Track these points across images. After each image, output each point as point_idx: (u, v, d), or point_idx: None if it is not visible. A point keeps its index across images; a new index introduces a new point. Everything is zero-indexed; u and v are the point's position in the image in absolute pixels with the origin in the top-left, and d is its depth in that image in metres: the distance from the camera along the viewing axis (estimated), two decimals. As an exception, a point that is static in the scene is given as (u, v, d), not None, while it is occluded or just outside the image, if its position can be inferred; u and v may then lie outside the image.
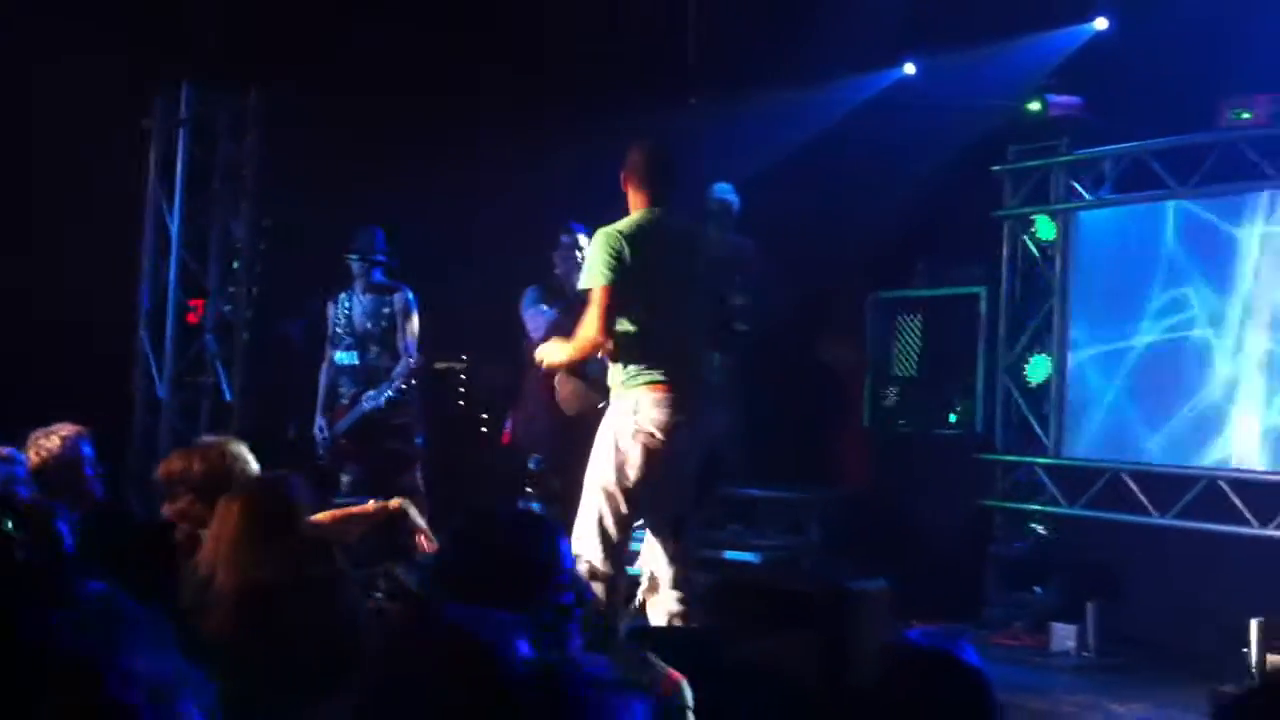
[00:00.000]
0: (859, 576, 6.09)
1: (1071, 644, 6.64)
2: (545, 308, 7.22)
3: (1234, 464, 7.03)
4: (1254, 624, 6.13)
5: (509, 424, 7.66)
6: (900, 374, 8.77)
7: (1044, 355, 8.08)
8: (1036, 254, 8.24)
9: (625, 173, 5.26)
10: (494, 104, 8.61)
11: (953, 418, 8.47)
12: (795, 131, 8.76)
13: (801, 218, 8.52)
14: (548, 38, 8.71)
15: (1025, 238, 8.27)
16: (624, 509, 4.98)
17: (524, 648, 1.66)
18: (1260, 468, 6.91)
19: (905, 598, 6.72)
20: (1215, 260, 7.22)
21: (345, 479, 7.23)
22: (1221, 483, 7.01)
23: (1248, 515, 6.87)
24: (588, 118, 8.08)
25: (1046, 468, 7.93)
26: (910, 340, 8.78)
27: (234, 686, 2.00)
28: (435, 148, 8.27)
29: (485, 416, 8.75)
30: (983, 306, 8.38)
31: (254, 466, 3.92)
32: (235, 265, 8.30)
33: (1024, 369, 8.15)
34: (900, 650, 2.67)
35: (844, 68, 8.63)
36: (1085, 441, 7.83)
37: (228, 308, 8.27)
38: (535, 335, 6.99)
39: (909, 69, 8.72)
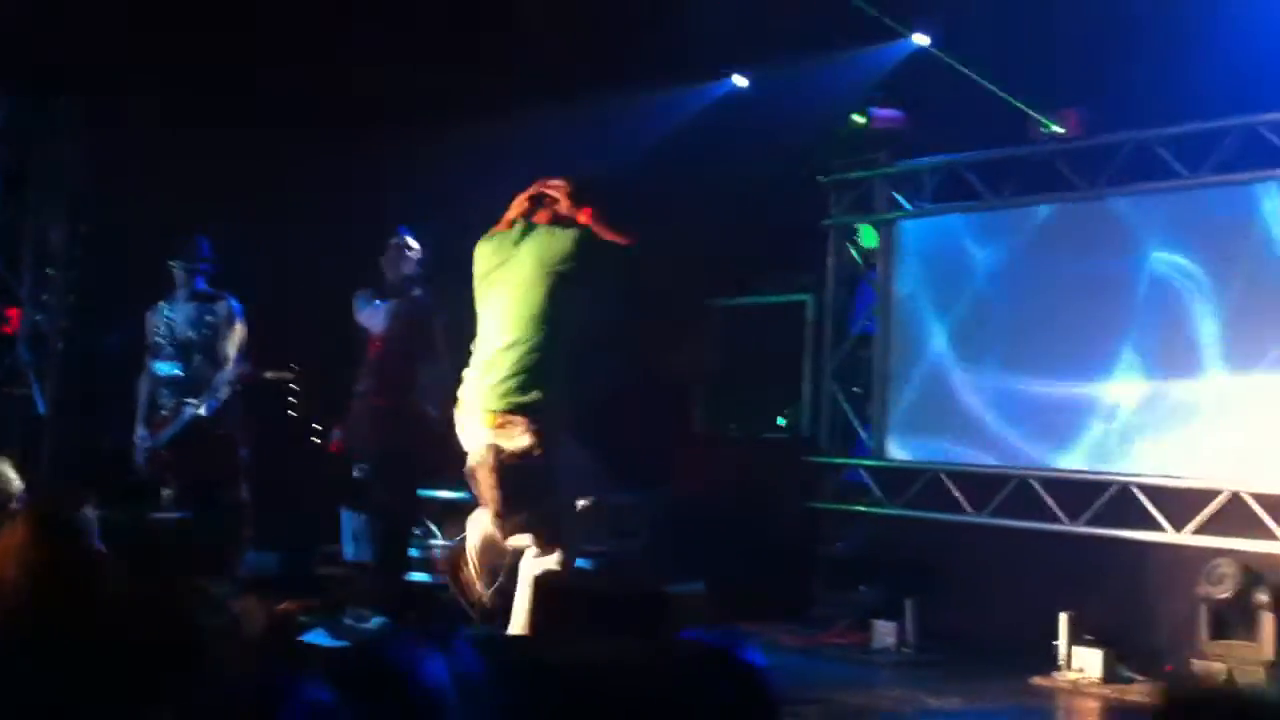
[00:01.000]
0: (681, 579, 6.19)
1: (891, 640, 6.84)
2: (378, 301, 7.16)
3: (1045, 464, 7.31)
4: (1063, 617, 6.40)
5: (336, 434, 7.57)
6: (732, 379, 8.94)
7: (866, 359, 8.30)
8: (860, 262, 8.47)
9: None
10: (321, 110, 8.49)
11: (781, 421, 8.66)
12: (630, 141, 8.83)
13: (638, 227, 8.58)
14: (375, 39, 8.62)
15: (849, 246, 8.49)
16: None
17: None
18: (1071, 467, 7.20)
19: (736, 599, 6.86)
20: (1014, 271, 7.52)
21: (166, 492, 7.04)
22: (1033, 482, 7.30)
23: (1058, 512, 7.17)
24: (415, 125, 8.03)
25: (869, 469, 8.15)
26: (742, 346, 8.94)
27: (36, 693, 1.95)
28: (261, 154, 8.12)
29: (316, 427, 8.63)
30: (809, 313, 8.59)
31: (17, 484, 3.82)
32: (50, 273, 8.04)
33: (847, 373, 8.36)
34: (680, 649, 2.71)
35: (676, 78, 8.74)
36: (909, 443, 8.06)
37: (40, 317, 8.00)
38: (377, 329, 6.97)
39: (740, 81, 8.88)
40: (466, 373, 5.24)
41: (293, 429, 8.63)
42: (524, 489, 5.05)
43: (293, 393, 8.76)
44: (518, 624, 4.99)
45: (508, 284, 5.17)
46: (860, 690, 6.08)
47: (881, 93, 8.19)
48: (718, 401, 9.03)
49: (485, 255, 5.31)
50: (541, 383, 5.04)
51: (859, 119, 8.16)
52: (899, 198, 8.26)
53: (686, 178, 8.46)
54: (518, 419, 5.01)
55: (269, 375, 8.48)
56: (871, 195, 8.40)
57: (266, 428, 7.92)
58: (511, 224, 5.33)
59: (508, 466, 5.03)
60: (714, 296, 9.03)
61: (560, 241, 5.16)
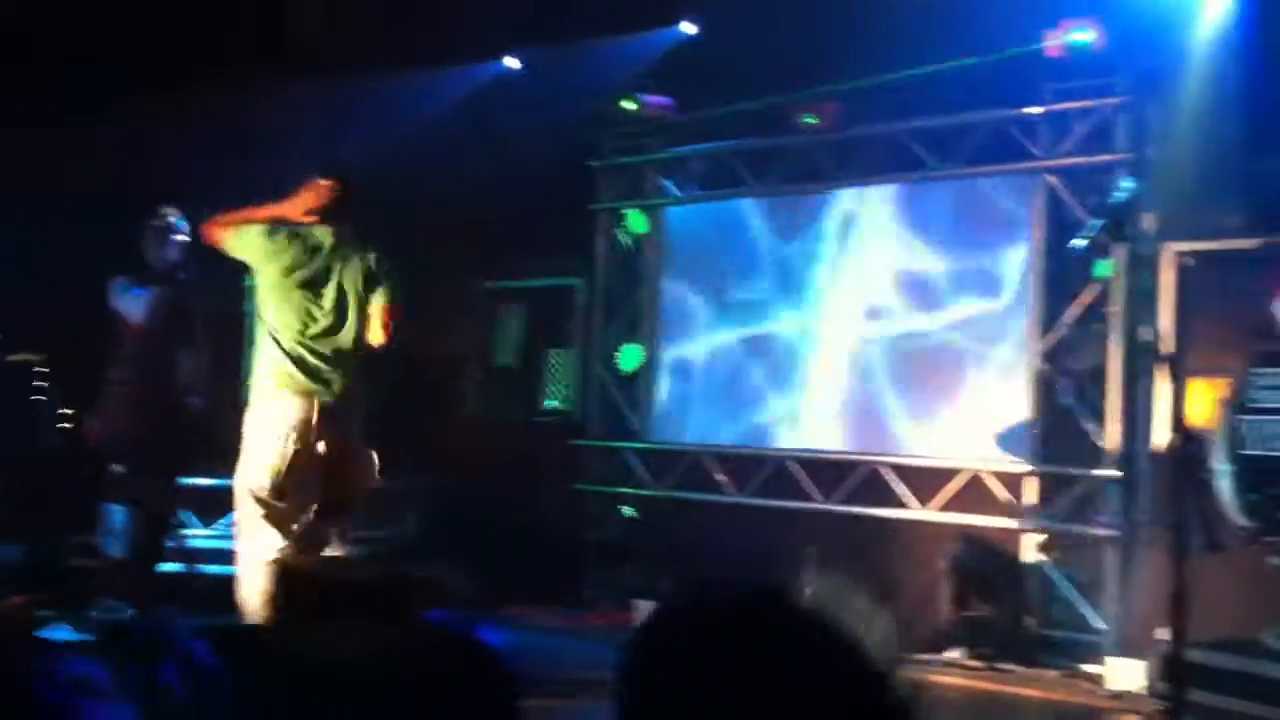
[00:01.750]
0: (449, 564, 6.14)
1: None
2: (138, 290, 6.84)
3: (807, 445, 7.55)
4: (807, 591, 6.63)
5: (92, 422, 7.22)
6: (502, 363, 8.92)
7: (635, 345, 8.40)
8: (629, 247, 8.56)
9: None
10: (78, 86, 8.06)
11: (551, 404, 8.69)
12: (399, 121, 8.69)
13: (407, 207, 8.47)
14: (145, 7, 8.25)
15: (618, 231, 8.57)
16: None
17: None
18: (828, 447, 7.46)
19: (505, 582, 6.85)
20: (795, 256, 7.73)
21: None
22: (790, 463, 7.53)
23: (814, 492, 7.41)
24: (171, 98, 7.71)
25: (636, 452, 8.26)
26: (512, 330, 8.93)
27: None
28: (18, 127, 7.66)
29: (67, 412, 8.21)
30: (579, 297, 8.64)
31: None
32: None
33: (616, 358, 8.45)
34: (419, 632, 2.69)
35: (447, 58, 8.65)
36: (675, 427, 8.21)
37: None
38: (137, 318, 6.66)
39: (512, 62, 8.84)
40: (294, 353, 5.17)
41: (41, 414, 8.19)
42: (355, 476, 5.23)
43: (41, 376, 8.32)
44: (253, 612, 4.88)
45: (330, 281, 5.28)
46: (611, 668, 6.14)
47: (652, 79, 8.27)
48: (488, 385, 9.00)
49: (287, 247, 5.28)
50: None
51: (629, 104, 8.22)
52: (668, 184, 8.37)
53: (456, 160, 8.37)
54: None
55: (13, 359, 8.04)
56: (641, 181, 8.49)
57: (12, 413, 7.52)
58: (310, 222, 5.34)
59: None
60: (483, 280, 8.98)
61: (366, 263, 5.35)
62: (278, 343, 5.21)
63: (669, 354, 8.25)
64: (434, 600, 4.63)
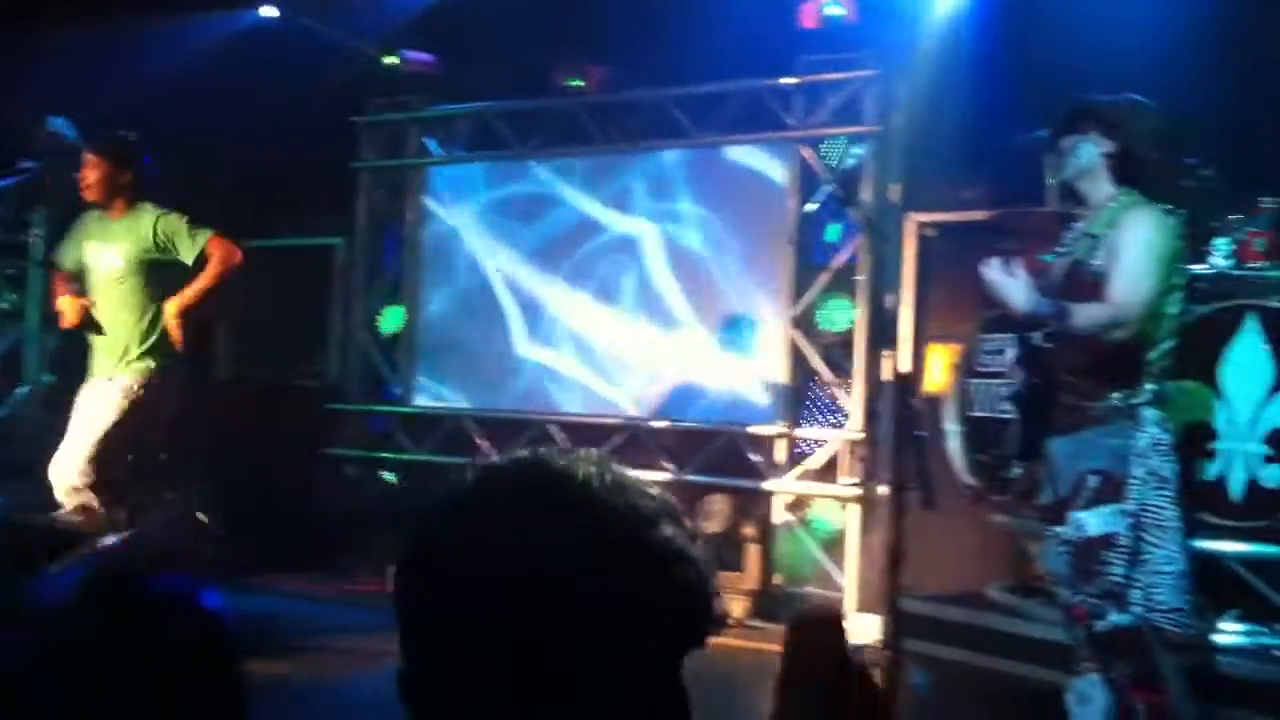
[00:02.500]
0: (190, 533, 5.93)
1: (408, 585, 6.85)
2: None
3: (569, 409, 7.57)
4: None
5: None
6: (257, 325, 8.62)
7: (397, 307, 8.25)
8: (392, 206, 8.39)
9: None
10: None
11: (310, 369, 8.47)
12: (148, 69, 8.26)
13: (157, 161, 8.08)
14: None
15: (381, 190, 8.38)
16: None
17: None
18: (581, 411, 7.50)
19: (260, 551, 6.64)
20: (543, 219, 7.71)
21: None
22: (552, 426, 7.53)
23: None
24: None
25: (397, 416, 8.13)
26: (267, 291, 8.63)
27: None
28: None
29: None
30: (339, 257, 8.43)
31: None
32: None
33: (377, 320, 8.28)
34: (130, 594, 2.55)
35: (198, 4, 8.28)
36: (437, 391, 8.11)
37: None
38: None
39: (269, 11, 8.51)
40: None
41: None
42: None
43: None
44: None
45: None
46: (374, 636, 6.07)
47: (415, 35, 8.10)
48: (242, 347, 8.70)
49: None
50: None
51: (391, 60, 8.04)
52: (431, 143, 8.23)
53: (207, 113, 8.03)
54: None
55: None
56: (404, 139, 8.32)
57: None
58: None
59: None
60: (237, 238, 8.63)
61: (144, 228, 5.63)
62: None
63: (431, 317, 8.13)
64: (171, 566, 4.45)
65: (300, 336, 8.48)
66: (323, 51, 8.04)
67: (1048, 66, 5.57)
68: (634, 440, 7.33)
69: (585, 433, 7.48)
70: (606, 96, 7.56)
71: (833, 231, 4.13)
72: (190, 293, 5.57)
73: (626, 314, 7.43)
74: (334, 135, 8.21)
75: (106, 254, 5.63)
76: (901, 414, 3.41)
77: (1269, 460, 4.52)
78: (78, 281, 5.74)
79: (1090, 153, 3.96)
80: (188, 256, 5.60)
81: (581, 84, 7.65)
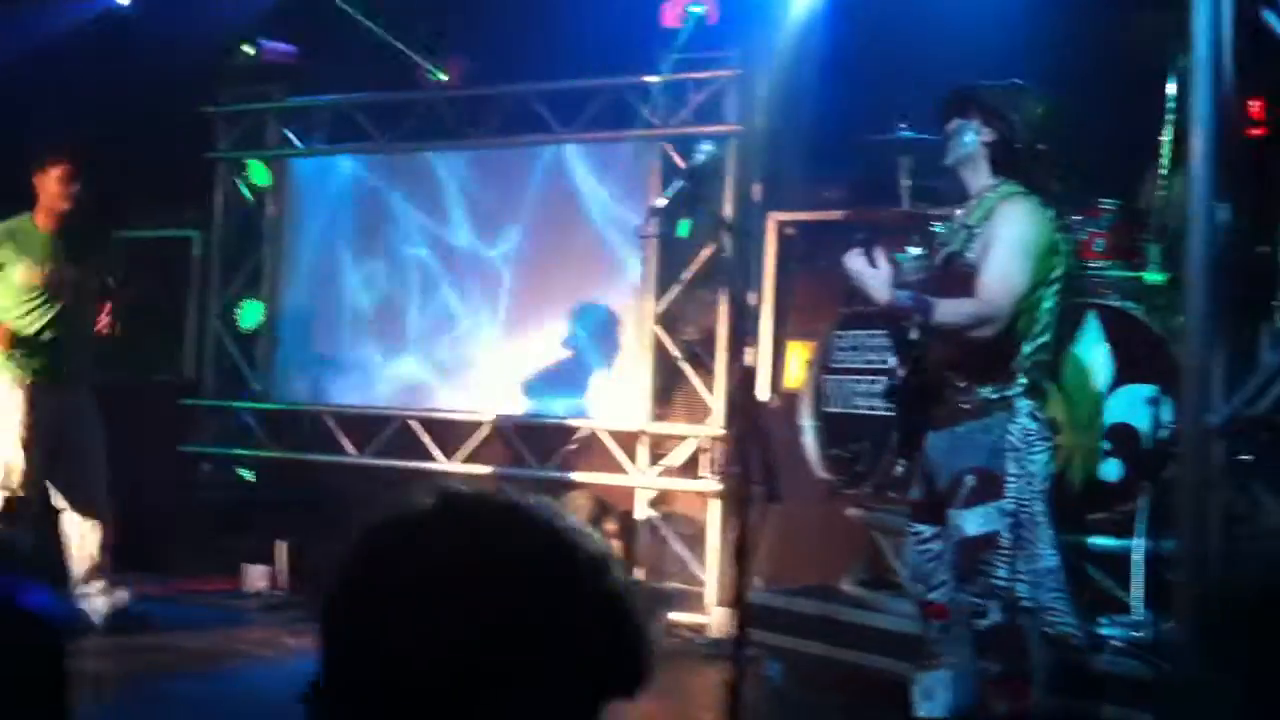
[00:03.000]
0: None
1: (264, 584, 6.75)
2: None
3: (431, 405, 7.48)
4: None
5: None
6: (110, 319, 8.33)
7: (256, 301, 8.08)
8: (250, 199, 8.21)
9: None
10: None
11: (167, 364, 8.24)
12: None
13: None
14: None
15: (238, 182, 8.20)
16: None
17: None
18: (446, 408, 7.43)
19: (118, 549, 6.43)
20: (402, 213, 7.62)
21: None
22: (414, 423, 7.45)
23: (437, 452, 7.38)
24: None
25: (254, 412, 7.96)
26: (119, 283, 8.36)
27: None
28: None
29: None
30: (195, 250, 8.22)
31: None
32: None
33: (235, 314, 8.10)
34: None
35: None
36: (295, 387, 7.95)
37: None
38: None
39: (122, -1, 8.26)
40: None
41: None
42: None
43: None
44: None
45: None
46: (223, 633, 5.97)
47: (273, 24, 7.93)
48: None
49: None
50: None
51: (248, 49, 7.86)
52: (290, 135, 8.07)
53: (58, 101, 7.77)
54: None
55: None
56: (263, 130, 8.15)
57: None
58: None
59: None
60: (97, 225, 8.35)
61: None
62: None
63: (291, 312, 7.97)
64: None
65: (157, 331, 8.23)
66: (178, 39, 7.82)
67: (905, 67, 5.67)
68: (495, 437, 7.29)
69: (447, 429, 7.42)
70: (469, 91, 7.49)
71: (683, 227, 4.15)
72: None
73: (487, 310, 7.38)
74: (189, 126, 7.99)
75: (69, 267, 5.70)
76: (746, 409, 3.43)
77: (1107, 455, 4.67)
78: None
79: (971, 140, 3.92)
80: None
81: (444, 78, 7.56)
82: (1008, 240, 3.76)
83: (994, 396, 3.75)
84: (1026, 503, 3.69)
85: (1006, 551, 3.67)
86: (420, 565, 1.07)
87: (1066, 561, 4.57)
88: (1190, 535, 3.03)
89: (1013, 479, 3.68)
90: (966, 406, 3.79)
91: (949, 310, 3.80)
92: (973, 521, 3.71)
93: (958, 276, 3.84)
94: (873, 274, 3.86)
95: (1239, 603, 3.06)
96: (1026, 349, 3.77)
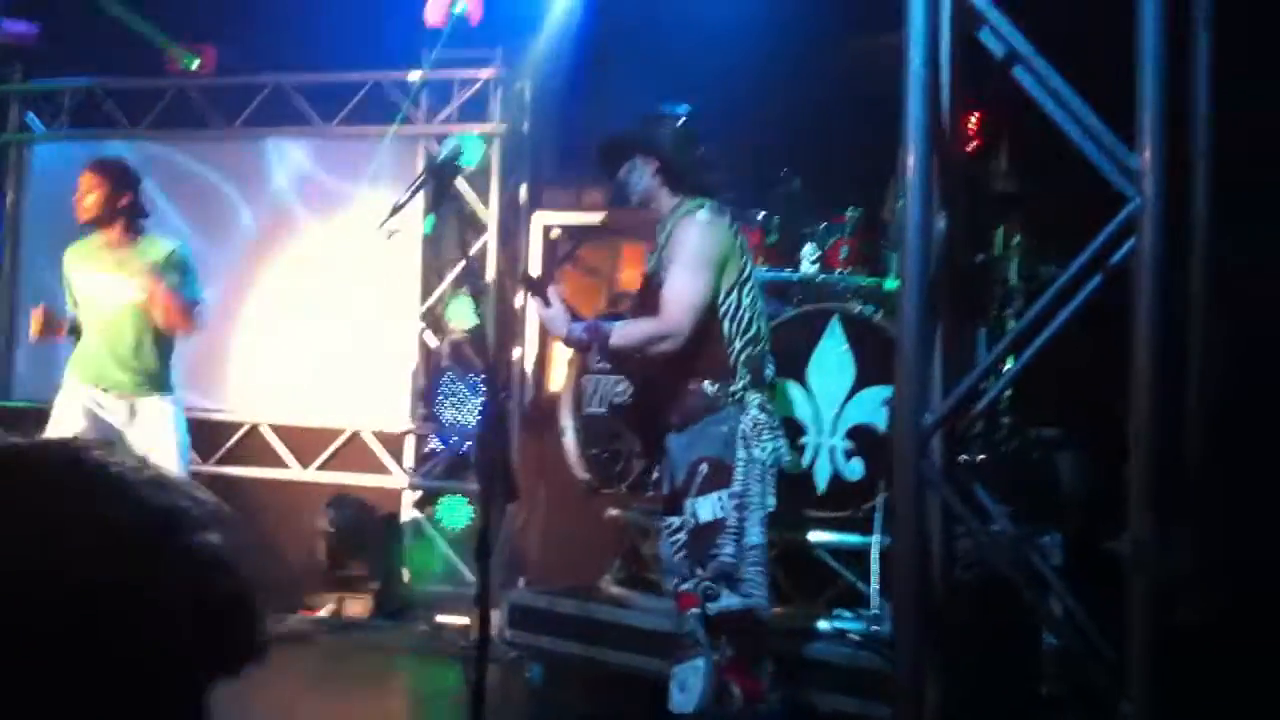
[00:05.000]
0: None
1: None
2: None
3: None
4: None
5: None
6: None
7: (-5, 292, 7.63)
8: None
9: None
10: None
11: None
12: None
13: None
14: None
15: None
16: None
17: None
18: (199, 406, 7.15)
19: None
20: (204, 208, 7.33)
21: None
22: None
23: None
24: None
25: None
26: None
27: None
28: None
29: None
30: (-73, 239, 7.70)
31: None
32: None
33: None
34: None
35: None
36: (39, 385, 7.53)
37: None
38: None
39: None
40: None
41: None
42: None
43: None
44: None
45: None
46: None
47: (13, 2, 7.49)
48: None
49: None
50: None
51: (-16, 28, 7.41)
52: (32, 118, 7.65)
53: None
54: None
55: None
56: (6, 112, 7.69)
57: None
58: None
59: None
60: None
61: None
62: None
63: (29, 304, 7.53)
64: None
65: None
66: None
67: (664, 68, 5.73)
68: (254, 438, 7.06)
69: (201, 430, 7.13)
70: (222, 79, 7.23)
71: (428, 224, 4.11)
72: None
73: (245, 307, 7.13)
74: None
75: (119, 282, 5.25)
76: (488, 408, 3.40)
77: (850, 455, 4.82)
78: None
79: (640, 175, 4.07)
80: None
81: (196, 64, 7.28)
82: (680, 258, 3.92)
83: (722, 393, 3.90)
84: (751, 484, 3.85)
85: (733, 530, 3.83)
86: None
87: (804, 557, 4.75)
88: (909, 533, 3.14)
89: (740, 464, 3.84)
90: (699, 404, 3.93)
91: (625, 334, 3.99)
92: (705, 508, 3.86)
93: (653, 297, 4.00)
94: (547, 314, 4.05)
95: (954, 601, 3.18)
96: (738, 345, 3.92)
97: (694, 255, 3.89)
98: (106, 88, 7.42)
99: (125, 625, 0.94)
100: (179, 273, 5.27)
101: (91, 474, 0.99)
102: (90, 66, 7.43)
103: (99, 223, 5.33)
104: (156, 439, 5.24)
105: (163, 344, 5.30)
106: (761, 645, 3.94)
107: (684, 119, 4.10)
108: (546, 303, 4.01)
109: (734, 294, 3.93)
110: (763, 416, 3.87)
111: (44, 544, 0.94)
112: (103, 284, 5.33)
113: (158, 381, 5.29)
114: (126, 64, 7.32)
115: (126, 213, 5.34)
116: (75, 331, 5.40)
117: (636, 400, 4.23)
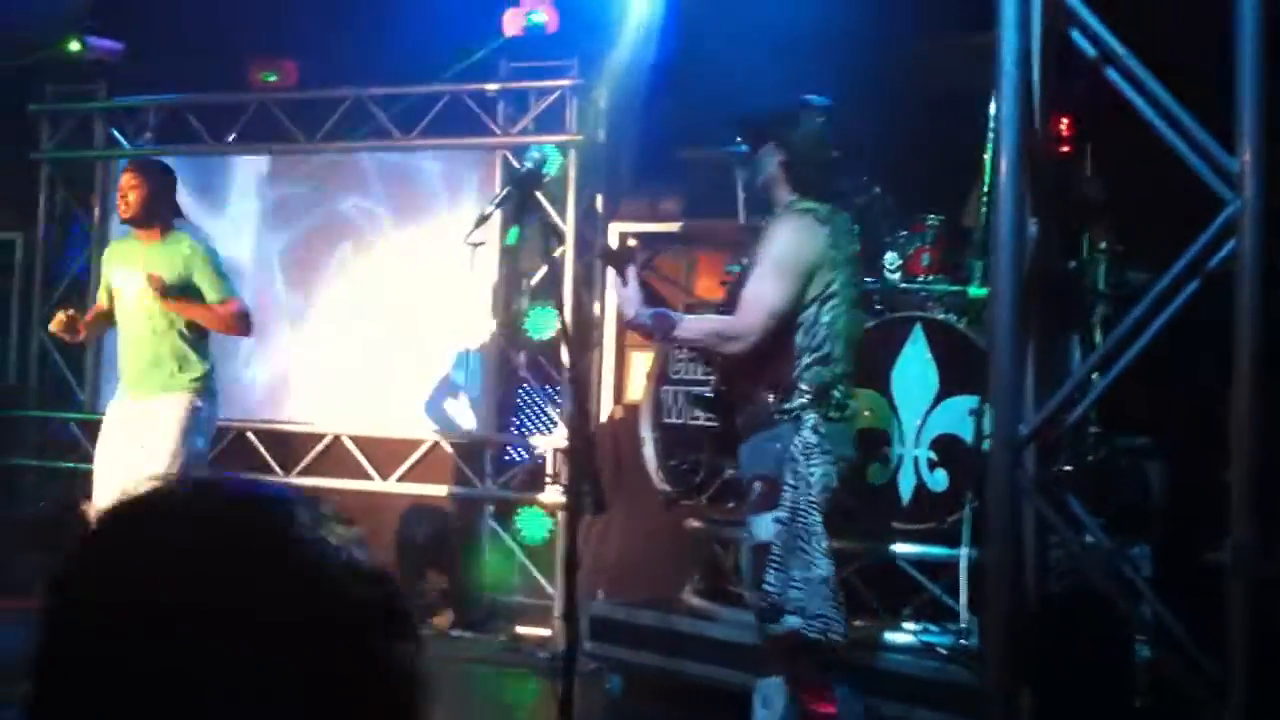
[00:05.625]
0: None
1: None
2: None
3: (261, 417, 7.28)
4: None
5: None
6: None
7: (83, 306, 7.75)
8: (75, 201, 7.91)
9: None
10: None
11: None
12: None
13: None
14: None
15: (63, 183, 7.89)
16: None
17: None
18: (280, 419, 7.24)
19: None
20: (237, 218, 7.41)
21: None
22: (251, 435, 7.24)
23: (273, 463, 7.18)
24: None
25: (81, 423, 7.65)
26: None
27: None
28: None
29: None
30: (18, 254, 7.89)
31: None
32: None
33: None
34: None
35: None
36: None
37: None
38: None
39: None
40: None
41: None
42: None
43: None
44: None
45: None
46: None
47: (99, 21, 7.65)
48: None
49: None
50: None
51: (74, 46, 7.56)
52: (118, 135, 7.79)
53: None
54: None
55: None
56: (90, 130, 7.85)
57: None
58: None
59: None
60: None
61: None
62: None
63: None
64: None
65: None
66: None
67: (741, 79, 5.70)
68: (336, 449, 7.12)
69: (285, 441, 7.23)
70: (303, 93, 7.32)
71: (511, 235, 4.11)
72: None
73: (327, 321, 7.20)
74: (11, 125, 7.66)
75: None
76: (575, 419, 3.38)
77: (934, 465, 4.75)
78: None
79: (768, 162, 3.95)
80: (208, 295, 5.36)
81: (275, 78, 7.38)
82: (765, 260, 3.82)
83: (779, 408, 3.78)
84: (803, 512, 3.68)
85: (777, 558, 3.68)
86: (125, 568, 0.95)
87: (887, 569, 4.67)
88: (1001, 543, 3.08)
89: (788, 488, 3.68)
90: (758, 417, 3.83)
91: (692, 328, 3.91)
92: (760, 527, 3.75)
93: (738, 294, 3.92)
94: (622, 292, 3.97)
95: (1047, 613, 3.11)
96: (805, 361, 3.78)
97: (781, 259, 3.79)
98: (190, 103, 7.53)
99: (291, 674, 0.93)
100: (205, 271, 5.29)
101: (259, 514, 0.98)
102: (172, 82, 7.55)
103: (137, 222, 5.38)
104: (151, 437, 5.25)
105: (187, 344, 5.31)
106: (832, 667, 3.84)
107: (823, 116, 3.92)
108: (624, 280, 3.93)
109: (813, 308, 3.79)
110: (814, 438, 3.70)
111: (216, 589, 0.93)
112: (132, 281, 5.37)
113: (176, 380, 5.30)
114: (208, 79, 7.43)
115: (164, 213, 5.40)
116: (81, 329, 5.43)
117: (718, 396, 4.12)
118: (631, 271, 3.94)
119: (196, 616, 0.92)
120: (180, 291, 5.28)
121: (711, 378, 4.26)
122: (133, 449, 5.28)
